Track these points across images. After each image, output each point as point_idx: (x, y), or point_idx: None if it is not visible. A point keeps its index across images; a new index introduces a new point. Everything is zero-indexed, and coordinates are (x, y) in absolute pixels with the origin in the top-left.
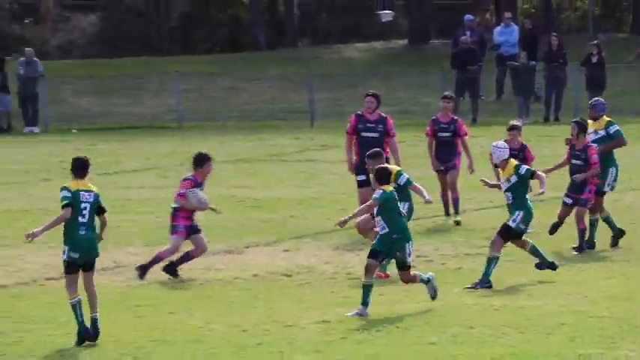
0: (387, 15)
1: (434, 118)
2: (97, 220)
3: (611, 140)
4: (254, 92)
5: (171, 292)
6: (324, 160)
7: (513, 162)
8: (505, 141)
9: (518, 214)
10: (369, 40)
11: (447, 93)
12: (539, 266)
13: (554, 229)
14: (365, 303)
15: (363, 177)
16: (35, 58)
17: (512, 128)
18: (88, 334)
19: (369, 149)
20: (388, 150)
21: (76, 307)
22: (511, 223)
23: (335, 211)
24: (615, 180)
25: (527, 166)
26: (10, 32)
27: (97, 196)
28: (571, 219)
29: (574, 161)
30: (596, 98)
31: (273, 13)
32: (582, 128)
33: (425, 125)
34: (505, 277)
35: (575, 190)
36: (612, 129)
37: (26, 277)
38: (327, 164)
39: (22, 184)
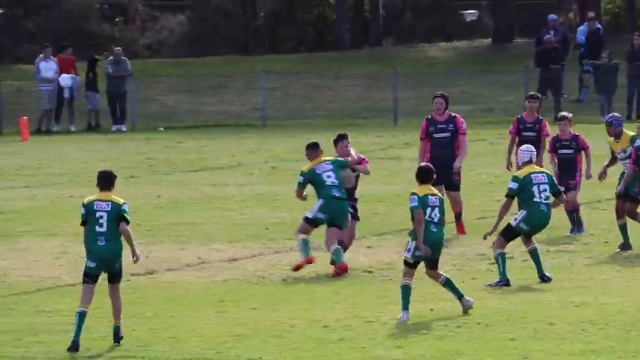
0: (471, 15)
1: (519, 117)
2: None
3: None
4: (339, 91)
5: (253, 288)
6: (407, 158)
7: (533, 168)
8: (556, 135)
9: (521, 214)
10: (454, 39)
11: (532, 93)
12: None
13: (624, 231)
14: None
15: None
16: (124, 57)
17: (561, 119)
18: (75, 349)
19: (442, 150)
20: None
21: (79, 317)
22: (512, 222)
23: None
24: None
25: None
26: (100, 32)
27: (116, 206)
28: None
29: None
30: (610, 115)
31: (358, 13)
32: None
33: (508, 123)
34: (584, 273)
35: None
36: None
37: None
38: (410, 162)
39: None
